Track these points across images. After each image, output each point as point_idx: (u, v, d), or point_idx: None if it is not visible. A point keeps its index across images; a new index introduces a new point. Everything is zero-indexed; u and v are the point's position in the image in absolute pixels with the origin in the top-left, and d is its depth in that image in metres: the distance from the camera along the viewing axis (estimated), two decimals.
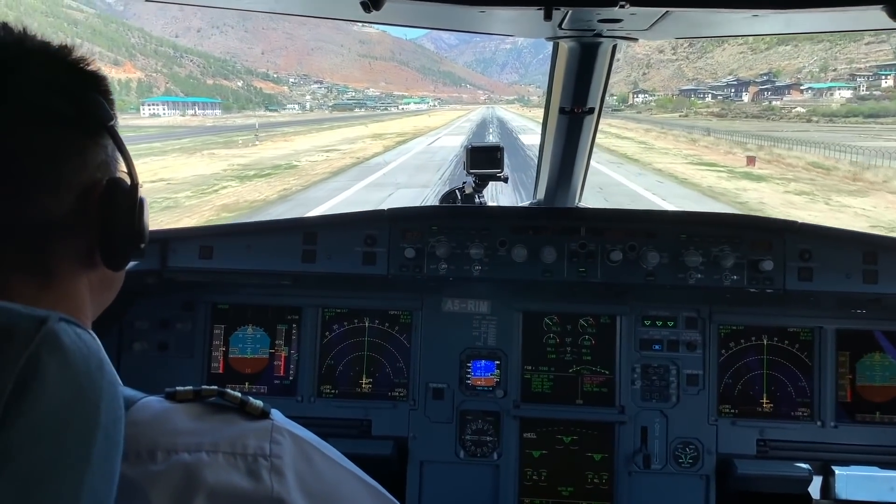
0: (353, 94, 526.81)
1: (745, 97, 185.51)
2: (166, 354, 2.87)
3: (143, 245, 1.01)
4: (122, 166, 0.99)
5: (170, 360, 2.87)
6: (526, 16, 1.82)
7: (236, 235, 2.77)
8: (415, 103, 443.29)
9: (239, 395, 0.95)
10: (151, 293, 2.86)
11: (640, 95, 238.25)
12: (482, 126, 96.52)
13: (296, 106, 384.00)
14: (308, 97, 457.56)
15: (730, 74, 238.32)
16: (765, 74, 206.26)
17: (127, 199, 0.97)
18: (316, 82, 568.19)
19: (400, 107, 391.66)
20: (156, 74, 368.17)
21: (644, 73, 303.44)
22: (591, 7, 1.73)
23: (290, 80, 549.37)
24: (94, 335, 0.85)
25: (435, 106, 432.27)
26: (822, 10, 1.58)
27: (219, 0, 1.96)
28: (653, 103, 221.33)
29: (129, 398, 0.91)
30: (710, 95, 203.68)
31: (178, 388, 0.94)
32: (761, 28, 2.02)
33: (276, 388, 2.87)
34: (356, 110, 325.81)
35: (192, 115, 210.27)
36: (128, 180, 0.98)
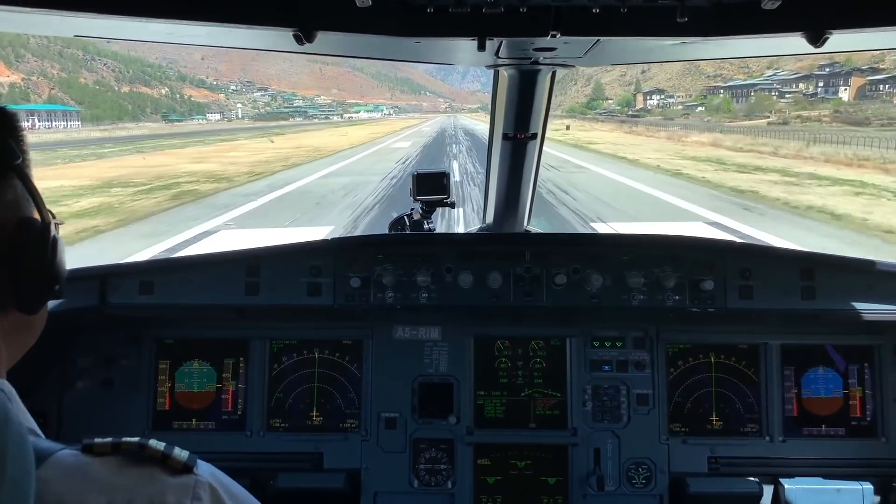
0: (301, 101, 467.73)
1: (845, 94, 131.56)
2: (111, 392, 2.80)
3: (58, 286, 0.95)
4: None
5: (115, 397, 2.80)
6: (462, 46, 1.82)
7: (177, 270, 2.75)
8: (366, 111, 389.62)
9: (162, 447, 0.88)
10: (93, 329, 2.81)
11: (654, 97, 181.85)
12: (436, 145, 55.66)
13: (218, 115, 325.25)
14: (240, 106, 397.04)
15: (769, 68, 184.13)
16: (828, 66, 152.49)
17: (39, 239, 0.92)
18: (260, 90, 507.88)
19: (346, 115, 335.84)
20: (37, 79, 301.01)
21: (643, 72, 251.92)
22: (523, 38, 1.74)
23: (231, 87, 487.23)
24: (3, 387, 0.81)
25: (390, 114, 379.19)
26: (747, 37, 1.64)
27: (150, 34, 1.94)
28: (678, 106, 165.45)
29: (42, 451, 0.84)
30: (775, 93, 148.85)
31: (96, 440, 0.88)
32: (692, 54, 2.10)
33: (225, 423, 2.82)
34: (292, 119, 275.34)
35: (29, 127, 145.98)
36: (42, 218, 0.92)
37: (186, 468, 0.89)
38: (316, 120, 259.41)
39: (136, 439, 0.88)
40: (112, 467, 0.86)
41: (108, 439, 0.88)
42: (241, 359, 2.81)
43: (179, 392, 2.81)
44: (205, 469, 0.92)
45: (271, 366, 2.82)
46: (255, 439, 2.78)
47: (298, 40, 1.55)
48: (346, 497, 2.69)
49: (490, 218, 3.22)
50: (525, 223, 3.18)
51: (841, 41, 1.62)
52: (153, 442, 0.88)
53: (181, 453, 0.90)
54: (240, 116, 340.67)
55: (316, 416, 2.81)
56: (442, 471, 2.74)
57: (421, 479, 2.74)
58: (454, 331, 2.83)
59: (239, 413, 2.80)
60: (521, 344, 2.83)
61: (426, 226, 3.24)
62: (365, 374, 2.81)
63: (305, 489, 2.70)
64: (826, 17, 1.52)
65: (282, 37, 1.60)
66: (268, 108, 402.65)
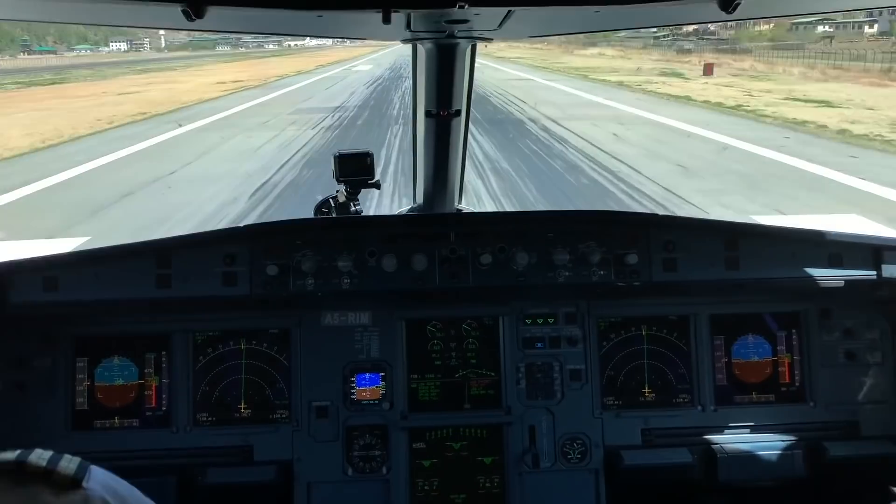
0: None
1: None
2: (24, 395, 2.64)
3: None
4: None
5: (29, 400, 2.65)
6: (369, 19, 1.70)
7: (83, 263, 2.62)
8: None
9: (45, 460, 0.78)
10: None
11: None
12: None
13: (125, 45, 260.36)
14: (163, 34, 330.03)
15: None
16: None
17: None
18: None
19: (286, 43, 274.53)
20: None
21: None
22: (430, 10, 1.67)
23: None
24: None
25: (346, 42, 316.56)
26: (661, 5, 1.60)
27: (24, 13, 1.82)
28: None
29: None
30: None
31: None
32: (607, 24, 2.13)
33: (149, 420, 2.72)
34: (219, 48, 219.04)
35: None
36: None
37: (74, 483, 0.79)
38: (242, 49, 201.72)
39: (13, 455, 0.77)
40: None
41: None
42: (164, 353, 2.72)
43: (100, 390, 2.68)
44: (98, 480, 0.82)
45: (195, 358, 2.73)
46: (182, 435, 2.69)
47: (187, 16, 1.46)
48: (277, 489, 2.63)
49: (420, 197, 3.18)
50: (455, 201, 3.16)
51: (752, 7, 1.64)
52: (35, 454, 0.78)
53: (68, 464, 0.80)
54: (163, 46, 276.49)
55: (244, 408, 2.73)
56: (376, 457, 2.70)
57: (355, 466, 2.69)
58: (385, 315, 2.77)
59: (163, 409, 2.71)
60: (454, 325, 2.79)
61: (353, 207, 3.13)
62: (294, 363, 2.74)
63: (236, 484, 2.62)
64: None
65: (170, 12, 1.50)
66: (203, 36, 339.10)
